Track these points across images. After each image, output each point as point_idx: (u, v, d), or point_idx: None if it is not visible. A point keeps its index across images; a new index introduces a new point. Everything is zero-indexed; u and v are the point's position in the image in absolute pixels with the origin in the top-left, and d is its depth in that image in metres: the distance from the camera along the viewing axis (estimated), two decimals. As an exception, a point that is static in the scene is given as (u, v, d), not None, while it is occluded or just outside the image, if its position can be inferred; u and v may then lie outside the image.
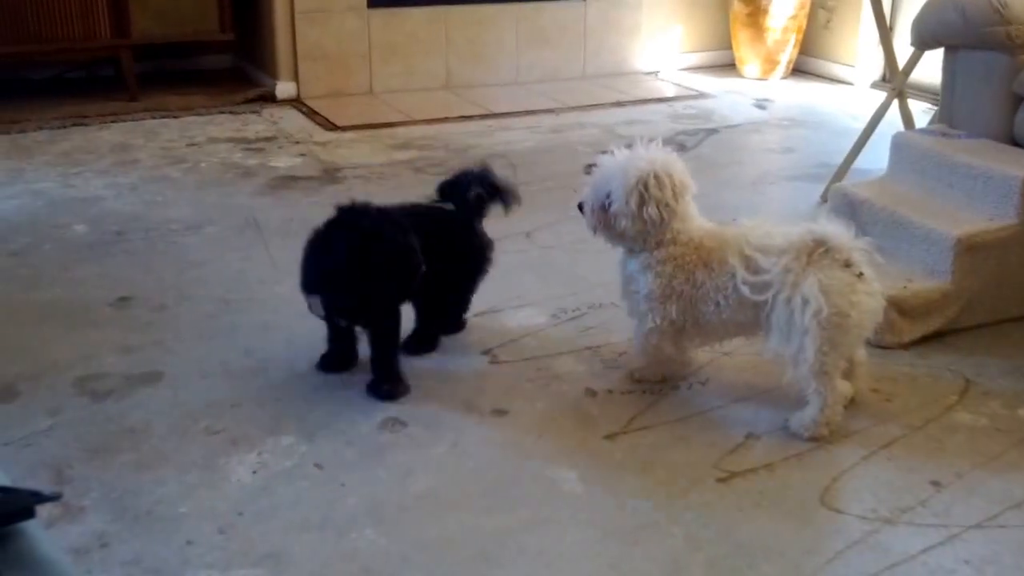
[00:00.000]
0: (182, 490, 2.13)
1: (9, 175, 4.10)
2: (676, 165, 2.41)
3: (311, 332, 2.82)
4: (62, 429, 2.35)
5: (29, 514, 0.85)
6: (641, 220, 2.37)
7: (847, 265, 2.27)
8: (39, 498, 0.87)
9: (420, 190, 3.92)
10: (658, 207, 2.35)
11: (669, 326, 2.46)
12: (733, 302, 2.37)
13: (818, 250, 2.26)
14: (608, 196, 2.40)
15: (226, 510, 2.07)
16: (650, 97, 5.66)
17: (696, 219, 2.45)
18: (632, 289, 2.50)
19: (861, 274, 2.28)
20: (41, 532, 0.87)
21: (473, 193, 2.65)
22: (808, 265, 2.25)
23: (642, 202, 2.35)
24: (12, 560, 0.81)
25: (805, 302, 2.24)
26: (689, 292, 2.41)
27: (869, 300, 2.30)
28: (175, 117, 5.03)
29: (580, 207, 2.50)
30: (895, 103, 3.96)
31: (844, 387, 2.40)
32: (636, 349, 2.59)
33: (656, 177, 2.35)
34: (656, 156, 2.40)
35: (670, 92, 5.79)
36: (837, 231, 2.29)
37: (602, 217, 2.44)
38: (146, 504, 2.09)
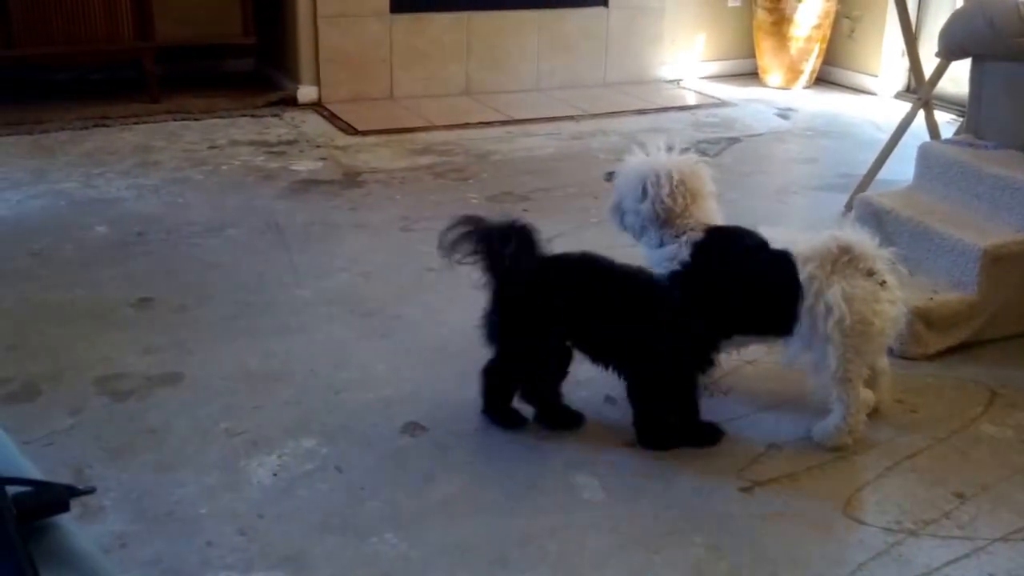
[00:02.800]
0: (202, 491, 2.13)
1: (32, 175, 4.12)
2: (689, 168, 2.42)
3: (331, 334, 2.83)
4: (82, 429, 2.36)
5: (64, 507, 0.85)
6: (636, 215, 2.42)
7: (870, 274, 2.26)
8: (73, 491, 0.87)
9: (439, 195, 3.95)
10: (652, 204, 2.38)
11: None
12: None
13: (842, 258, 2.25)
14: (622, 192, 2.47)
15: (246, 512, 2.07)
16: (672, 105, 5.64)
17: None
18: None
19: (884, 282, 2.27)
20: (75, 526, 0.87)
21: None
22: (832, 273, 2.24)
23: (644, 198, 2.39)
24: (47, 553, 0.81)
25: (828, 310, 2.23)
26: None
27: (891, 308, 2.29)
28: (197, 120, 5.04)
29: None
30: (920, 113, 3.94)
31: (867, 396, 2.38)
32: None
33: (657, 176, 2.38)
34: (669, 158, 2.43)
35: (692, 100, 5.78)
36: (861, 239, 2.28)
37: (616, 211, 2.51)
38: (166, 505, 2.09)
